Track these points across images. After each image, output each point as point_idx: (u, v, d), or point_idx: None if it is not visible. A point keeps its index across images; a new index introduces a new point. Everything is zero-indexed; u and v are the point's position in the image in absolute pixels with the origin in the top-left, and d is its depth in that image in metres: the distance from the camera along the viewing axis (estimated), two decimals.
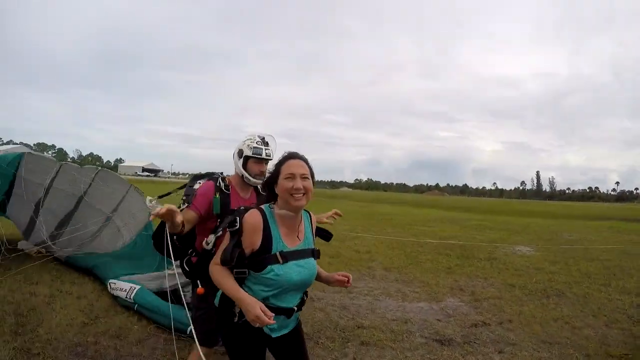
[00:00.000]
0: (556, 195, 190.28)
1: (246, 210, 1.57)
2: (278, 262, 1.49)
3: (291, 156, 1.58)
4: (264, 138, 2.30)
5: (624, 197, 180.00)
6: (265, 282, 1.50)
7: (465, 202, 62.41)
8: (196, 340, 1.90)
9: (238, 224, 1.50)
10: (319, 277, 1.76)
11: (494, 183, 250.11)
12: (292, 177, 1.50)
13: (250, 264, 1.51)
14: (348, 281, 1.71)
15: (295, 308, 1.61)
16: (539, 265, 7.93)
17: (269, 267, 1.49)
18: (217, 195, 2.15)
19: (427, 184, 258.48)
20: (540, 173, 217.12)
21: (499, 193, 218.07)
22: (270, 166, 1.69)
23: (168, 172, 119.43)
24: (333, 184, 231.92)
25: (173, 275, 2.58)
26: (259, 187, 2.32)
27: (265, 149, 2.25)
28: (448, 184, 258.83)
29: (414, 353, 3.41)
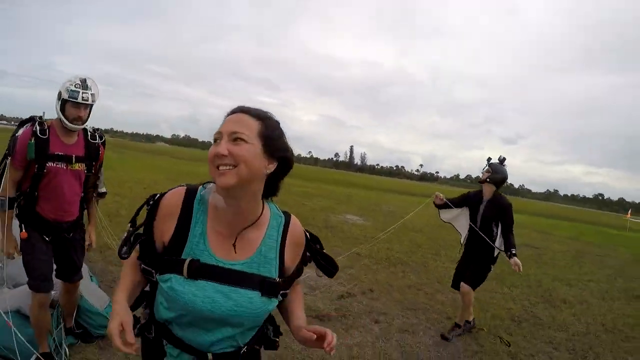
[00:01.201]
0: (366, 169, 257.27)
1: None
2: (181, 273, 1.21)
3: (233, 111, 1.24)
4: (85, 80, 2.62)
5: (425, 177, 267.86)
6: (164, 295, 1.27)
7: None
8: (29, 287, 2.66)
9: (153, 202, 1.33)
10: (287, 322, 1.45)
11: (310, 152, 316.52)
12: (218, 138, 1.17)
13: (158, 263, 1.28)
14: (328, 345, 1.22)
15: (211, 356, 1.30)
16: (374, 234, 10.16)
17: (167, 274, 1.23)
18: (32, 140, 2.55)
19: None
20: (353, 148, 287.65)
21: (314, 161, 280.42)
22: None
23: None
24: (149, 137, 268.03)
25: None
26: (89, 132, 2.83)
27: (83, 92, 2.58)
28: None
29: None
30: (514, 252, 4.11)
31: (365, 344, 3.92)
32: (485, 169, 4.32)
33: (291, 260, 1.34)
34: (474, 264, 4.35)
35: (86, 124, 2.76)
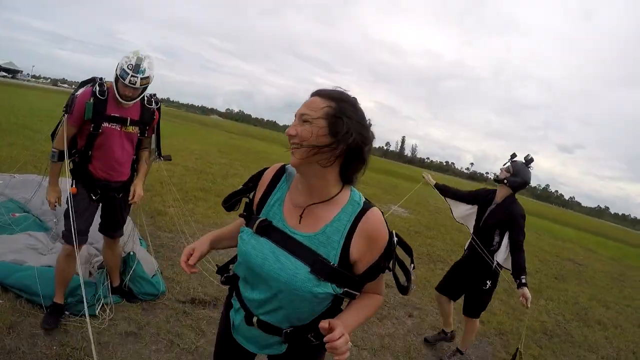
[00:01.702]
0: (416, 161, 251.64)
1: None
2: (251, 227, 1.38)
3: (312, 94, 1.33)
4: (139, 64, 2.67)
5: (475, 177, 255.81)
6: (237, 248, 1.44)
7: None
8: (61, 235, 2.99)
9: (259, 173, 1.55)
10: None
11: None
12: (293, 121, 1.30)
13: (248, 219, 1.48)
14: (329, 340, 1.19)
15: (255, 319, 1.42)
16: (417, 229, 10.30)
17: (245, 227, 1.43)
18: (91, 100, 2.70)
19: None
20: (405, 138, 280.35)
21: None
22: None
23: (28, 74, 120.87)
24: (204, 110, 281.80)
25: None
26: (146, 97, 2.97)
27: (132, 76, 2.65)
28: None
29: None
30: (524, 280, 3.34)
31: (397, 336, 4.15)
32: (505, 167, 3.66)
33: (359, 252, 1.30)
34: (468, 282, 3.83)
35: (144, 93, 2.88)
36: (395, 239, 1.37)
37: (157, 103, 3.05)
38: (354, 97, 1.31)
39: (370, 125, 1.32)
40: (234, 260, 1.57)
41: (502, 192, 3.64)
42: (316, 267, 1.27)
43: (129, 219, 3.54)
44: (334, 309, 1.43)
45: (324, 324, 1.24)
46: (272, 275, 1.31)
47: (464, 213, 3.98)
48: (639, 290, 10.65)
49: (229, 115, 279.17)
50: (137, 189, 3.01)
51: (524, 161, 3.63)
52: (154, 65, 2.78)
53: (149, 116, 3.00)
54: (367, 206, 1.34)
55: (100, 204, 3.08)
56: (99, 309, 3.14)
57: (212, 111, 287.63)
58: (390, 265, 1.36)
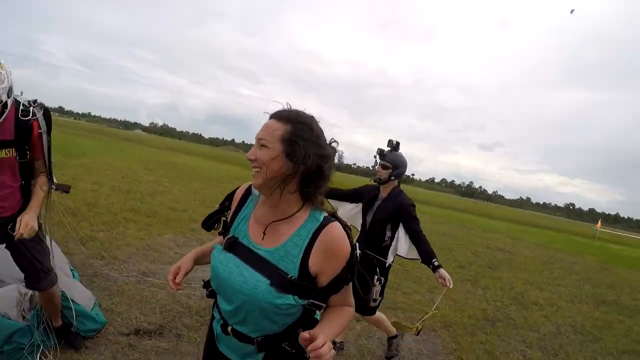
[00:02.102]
0: (342, 167, 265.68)
1: None
2: (221, 243, 1.50)
3: (269, 116, 1.40)
4: None
5: (401, 179, 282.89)
6: None
7: None
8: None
9: (232, 192, 1.64)
10: None
11: None
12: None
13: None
14: (312, 349, 1.20)
15: (230, 328, 1.48)
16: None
17: (216, 244, 1.55)
18: None
19: (223, 139, 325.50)
20: None
21: None
22: None
23: None
24: (126, 124, 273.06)
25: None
26: (22, 107, 2.34)
27: None
28: (243, 142, 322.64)
29: None
30: (436, 263, 3.26)
31: (349, 341, 4.07)
32: (380, 164, 3.44)
33: (317, 265, 1.35)
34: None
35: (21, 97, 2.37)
36: (358, 252, 1.41)
37: (40, 109, 2.42)
38: (310, 117, 1.37)
39: (332, 141, 1.40)
40: None
41: (387, 187, 3.49)
42: (275, 280, 1.34)
43: (57, 249, 3.26)
44: (306, 320, 1.46)
45: (304, 335, 1.25)
46: (236, 288, 1.38)
47: (349, 213, 3.76)
48: (568, 271, 11.35)
49: (152, 129, 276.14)
50: (25, 217, 2.27)
51: (391, 149, 3.48)
52: (8, 73, 2.20)
53: (26, 131, 2.37)
54: (326, 222, 1.39)
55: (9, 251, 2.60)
56: (38, 356, 2.81)
57: (136, 125, 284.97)
58: (354, 277, 1.40)
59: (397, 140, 3.46)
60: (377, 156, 3.45)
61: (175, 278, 1.54)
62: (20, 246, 2.50)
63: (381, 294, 3.48)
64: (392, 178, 3.41)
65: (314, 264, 1.35)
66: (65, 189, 2.78)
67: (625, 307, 7.89)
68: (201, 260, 1.67)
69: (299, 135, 1.30)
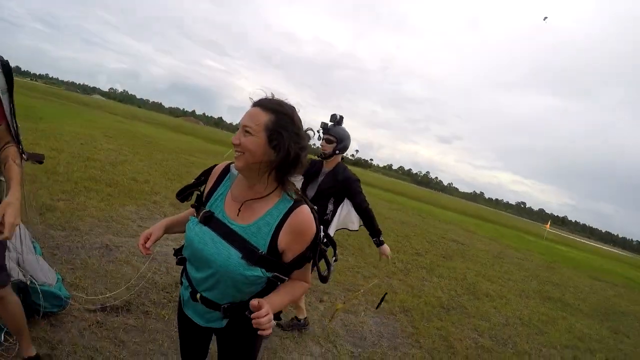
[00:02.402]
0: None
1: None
2: (196, 217, 1.59)
3: (254, 103, 1.50)
4: None
5: (359, 163, 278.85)
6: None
7: (222, 135, 72.39)
8: None
9: (209, 169, 1.74)
10: None
11: None
12: (239, 128, 1.48)
13: (197, 210, 1.65)
14: (255, 317, 1.35)
15: (199, 295, 1.58)
16: None
17: (192, 217, 1.62)
18: None
19: (184, 109, 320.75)
20: None
21: None
22: None
23: None
24: (85, 89, 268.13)
25: None
26: None
27: None
28: (204, 113, 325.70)
29: None
30: (381, 239, 3.48)
31: (313, 321, 4.15)
32: (324, 138, 3.44)
33: (286, 243, 1.48)
34: None
35: None
36: (322, 234, 1.63)
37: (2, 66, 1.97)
38: (291, 107, 1.49)
39: (308, 130, 1.53)
40: None
41: (331, 162, 3.50)
42: (246, 254, 1.46)
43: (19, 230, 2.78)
44: (268, 290, 1.56)
45: (254, 302, 1.38)
46: (210, 258, 1.50)
47: None
48: (517, 266, 11.85)
49: (112, 95, 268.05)
50: (8, 213, 1.65)
51: (334, 123, 3.49)
52: None
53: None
54: (296, 204, 1.51)
55: None
56: (2, 336, 2.61)
57: (94, 90, 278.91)
58: (315, 256, 1.54)
59: (341, 115, 3.50)
60: (321, 130, 3.46)
61: (145, 243, 1.62)
62: None
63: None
64: (337, 152, 3.45)
65: (282, 241, 1.48)
66: (39, 158, 2.45)
67: (569, 305, 8.35)
68: (171, 229, 1.76)
69: (281, 126, 1.42)
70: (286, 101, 1.50)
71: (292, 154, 1.43)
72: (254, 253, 1.46)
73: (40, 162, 2.47)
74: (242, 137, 1.43)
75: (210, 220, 1.54)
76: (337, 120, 3.49)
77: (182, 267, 1.77)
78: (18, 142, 2.08)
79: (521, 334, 5.49)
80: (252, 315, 1.35)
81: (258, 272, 1.47)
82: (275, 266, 1.50)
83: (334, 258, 3.17)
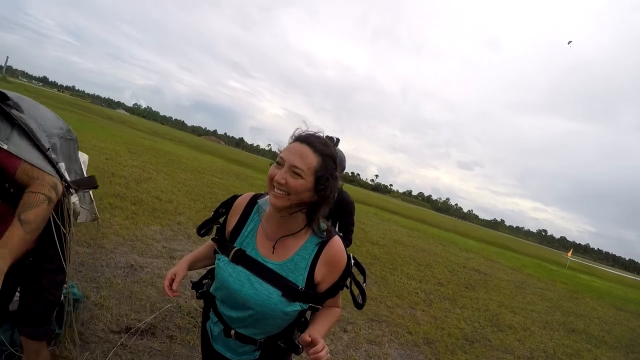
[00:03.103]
0: None
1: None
2: (227, 255, 1.55)
3: (301, 138, 1.46)
4: None
5: (379, 188, 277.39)
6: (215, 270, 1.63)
7: (243, 155, 73.57)
8: None
9: (230, 200, 1.73)
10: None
11: (269, 144, 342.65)
12: (281, 163, 1.42)
13: (221, 245, 1.64)
14: (313, 353, 1.37)
15: (233, 332, 1.61)
16: None
17: (221, 255, 1.59)
18: None
19: (206, 128, 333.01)
20: None
21: (272, 155, 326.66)
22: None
23: None
24: (109, 103, 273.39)
25: None
26: None
27: None
28: (225, 133, 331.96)
29: None
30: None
31: (337, 352, 4.22)
32: None
33: (322, 276, 1.52)
34: None
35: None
36: (353, 261, 1.62)
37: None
38: (333, 148, 1.51)
39: (342, 168, 1.52)
40: (206, 276, 1.83)
41: None
42: (286, 291, 1.49)
43: None
44: (298, 318, 1.63)
45: (306, 338, 1.39)
46: (249, 299, 1.50)
47: None
48: (539, 297, 11.70)
49: (136, 110, 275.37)
50: None
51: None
52: None
53: None
54: (328, 236, 1.55)
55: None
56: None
57: (119, 105, 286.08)
58: (348, 283, 1.61)
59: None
60: None
61: (171, 285, 1.61)
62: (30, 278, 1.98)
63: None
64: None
65: (318, 274, 1.51)
66: (91, 185, 2.26)
67: (594, 336, 8.24)
68: (194, 265, 1.77)
69: (329, 171, 1.43)
70: (322, 135, 1.52)
71: (332, 197, 1.46)
72: (294, 290, 1.49)
73: (95, 187, 2.29)
74: (290, 178, 1.39)
75: (243, 259, 1.53)
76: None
77: (203, 299, 1.78)
78: (60, 177, 1.92)
79: None
80: (311, 352, 1.36)
81: (297, 306, 1.50)
82: (312, 298, 1.53)
83: (364, 284, 3.26)
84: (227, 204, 1.71)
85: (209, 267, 1.83)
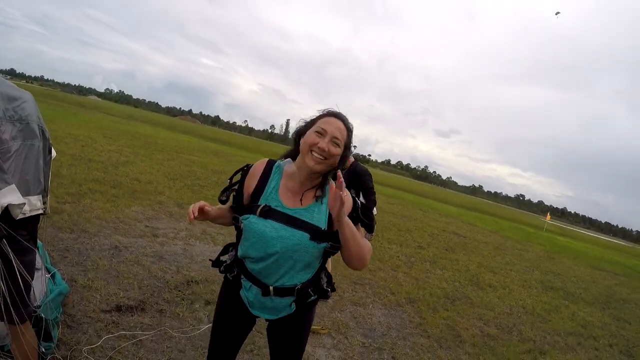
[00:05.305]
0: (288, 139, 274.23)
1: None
2: (254, 213, 1.71)
3: (335, 114, 1.77)
4: None
5: (358, 158, 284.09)
6: (245, 228, 1.75)
7: (220, 133, 73.28)
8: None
9: (246, 168, 1.88)
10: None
11: (245, 120, 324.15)
12: (322, 133, 1.69)
13: (242, 209, 1.79)
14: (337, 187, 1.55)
15: (272, 289, 1.73)
16: None
17: (247, 215, 1.73)
18: None
19: (180, 108, 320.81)
20: (290, 121, 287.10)
21: (249, 131, 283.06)
22: (308, 117, 1.85)
23: None
24: (81, 90, 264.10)
25: None
26: None
27: None
28: (201, 112, 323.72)
29: None
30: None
31: (322, 315, 4.27)
32: None
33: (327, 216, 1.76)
34: None
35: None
36: (358, 202, 1.85)
37: None
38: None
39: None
40: (225, 251, 1.96)
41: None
42: (313, 234, 1.70)
43: None
44: (323, 262, 1.84)
45: (332, 189, 1.59)
46: (284, 244, 1.68)
47: None
48: (518, 257, 12.03)
49: (108, 95, 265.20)
50: None
51: None
52: None
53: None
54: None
55: None
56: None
57: (90, 91, 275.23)
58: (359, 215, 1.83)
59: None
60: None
61: (195, 213, 1.67)
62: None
63: None
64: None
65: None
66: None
67: (571, 293, 8.53)
68: (216, 219, 1.87)
69: (351, 142, 1.80)
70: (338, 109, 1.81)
71: (342, 161, 1.77)
72: (320, 231, 1.71)
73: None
74: (331, 147, 1.69)
75: (270, 213, 1.71)
76: None
77: (226, 273, 1.88)
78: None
79: (525, 322, 5.64)
80: (336, 188, 1.55)
81: (324, 244, 1.71)
82: (334, 237, 1.73)
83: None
84: (244, 172, 1.88)
85: (225, 245, 1.97)
